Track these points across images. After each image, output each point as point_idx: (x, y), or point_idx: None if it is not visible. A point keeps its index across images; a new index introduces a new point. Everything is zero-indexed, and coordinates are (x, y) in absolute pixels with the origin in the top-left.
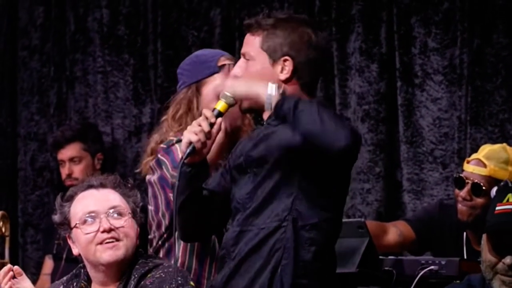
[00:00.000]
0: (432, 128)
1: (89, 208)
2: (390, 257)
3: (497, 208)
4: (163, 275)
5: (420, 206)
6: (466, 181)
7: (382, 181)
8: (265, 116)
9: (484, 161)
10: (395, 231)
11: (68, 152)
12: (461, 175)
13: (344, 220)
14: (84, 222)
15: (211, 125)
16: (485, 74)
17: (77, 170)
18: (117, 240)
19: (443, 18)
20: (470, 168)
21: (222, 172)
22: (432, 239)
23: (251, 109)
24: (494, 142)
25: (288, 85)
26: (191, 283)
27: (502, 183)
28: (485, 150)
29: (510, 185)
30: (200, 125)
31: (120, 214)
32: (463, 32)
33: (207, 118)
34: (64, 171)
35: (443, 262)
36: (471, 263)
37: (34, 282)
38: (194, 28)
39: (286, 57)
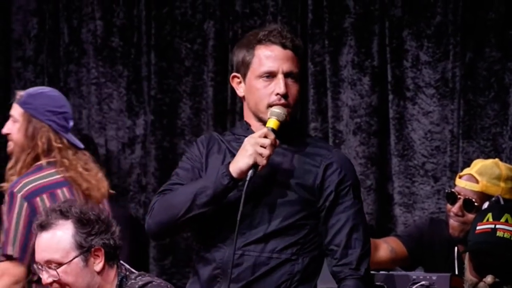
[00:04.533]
0: (424, 142)
1: (36, 257)
2: (381, 272)
3: (478, 227)
4: None
5: (411, 220)
6: (458, 196)
7: (373, 194)
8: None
9: (476, 176)
10: (386, 248)
11: None
12: (453, 190)
13: None
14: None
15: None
16: (477, 88)
17: None
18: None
19: (435, 32)
20: (462, 184)
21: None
22: (424, 255)
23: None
24: (486, 156)
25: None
26: None
27: (493, 199)
28: (478, 165)
29: (501, 201)
30: (265, 147)
31: (58, 265)
32: (455, 45)
33: (266, 138)
34: None
35: (434, 278)
36: (461, 279)
37: None
38: (188, 40)
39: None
